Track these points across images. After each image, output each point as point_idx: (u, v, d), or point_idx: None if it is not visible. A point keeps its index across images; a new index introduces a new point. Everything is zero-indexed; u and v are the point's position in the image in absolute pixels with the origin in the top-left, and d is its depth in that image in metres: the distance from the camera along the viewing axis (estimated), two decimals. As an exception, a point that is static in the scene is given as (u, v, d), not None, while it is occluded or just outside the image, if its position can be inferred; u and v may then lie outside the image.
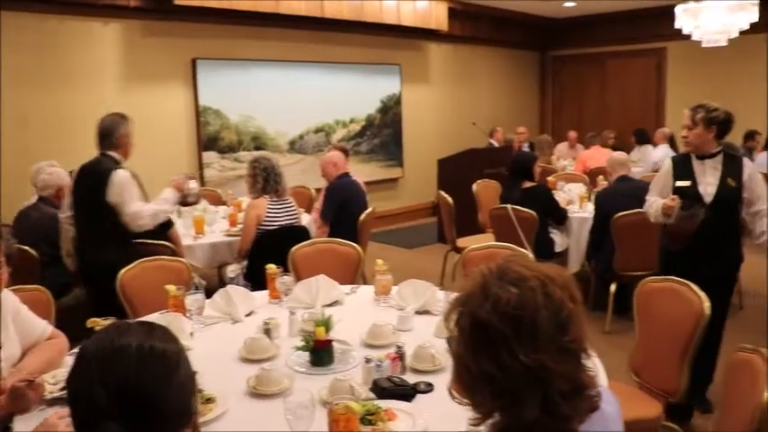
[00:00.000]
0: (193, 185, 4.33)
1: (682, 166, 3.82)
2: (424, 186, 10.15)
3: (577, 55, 12.58)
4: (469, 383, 1.25)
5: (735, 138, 7.03)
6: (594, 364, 1.28)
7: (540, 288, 1.21)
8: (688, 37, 7.29)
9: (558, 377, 1.18)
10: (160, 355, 1.19)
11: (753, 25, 6.86)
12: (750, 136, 8.77)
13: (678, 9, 7.00)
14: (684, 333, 2.83)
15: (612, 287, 5.27)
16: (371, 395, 2.19)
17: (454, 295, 1.29)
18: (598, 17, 11.63)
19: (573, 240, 5.80)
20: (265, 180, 4.65)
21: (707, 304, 2.79)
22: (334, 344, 2.56)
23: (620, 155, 5.83)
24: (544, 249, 5.48)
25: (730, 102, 7.16)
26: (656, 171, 4.22)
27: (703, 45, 7.28)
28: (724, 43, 7.16)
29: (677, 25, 7.11)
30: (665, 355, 2.94)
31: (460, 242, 6.37)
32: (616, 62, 12.12)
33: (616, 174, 5.54)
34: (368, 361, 2.35)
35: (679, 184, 3.77)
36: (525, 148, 9.82)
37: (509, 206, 5.48)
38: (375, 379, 2.27)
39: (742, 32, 6.95)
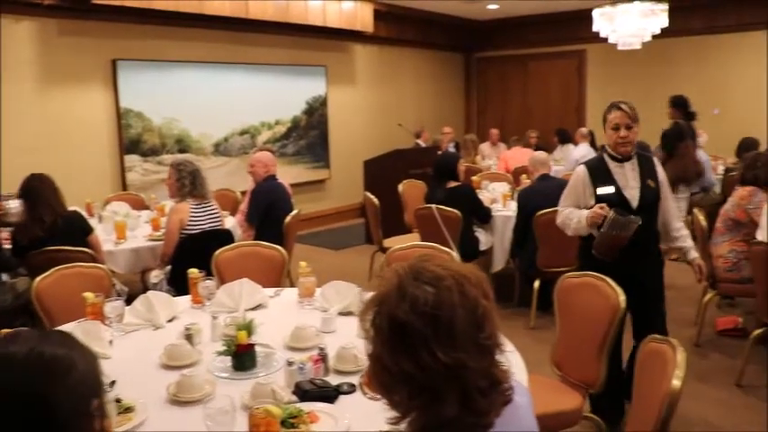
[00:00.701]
0: (13, 205, 4.18)
1: (599, 172, 3.52)
2: (351, 187, 10.14)
3: (501, 56, 12.81)
4: (388, 383, 1.25)
5: (653, 138, 7.28)
6: (507, 359, 1.31)
7: (456, 287, 1.22)
8: (605, 40, 7.50)
9: (475, 374, 1.20)
10: (49, 360, 1.18)
11: (664, 31, 7.12)
12: (666, 135, 9.06)
13: (595, 13, 7.20)
14: (602, 326, 2.91)
15: (536, 284, 5.38)
16: (294, 398, 2.19)
17: (369, 295, 1.30)
18: (520, 19, 11.87)
19: (497, 238, 5.89)
20: (192, 184, 4.59)
21: (622, 297, 2.87)
22: (256, 348, 2.54)
23: (540, 154, 5.96)
24: (469, 248, 5.56)
25: (647, 102, 7.45)
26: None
27: (619, 48, 7.52)
28: (638, 46, 7.41)
29: (595, 29, 7.30)
30: (584, 347, 3.01)
31: (387, 242, 6.41)
32: (538, 64, 12.40)
33: (537, 173, 5.66)
34: (290, 364, 2.34)
35: (602, 191, 3.47)
36: (451, 148, 9.93)
37: (434, 206, 5.53)
38: (297, 382, 2.27)
39: (655, 36, 7.21)
